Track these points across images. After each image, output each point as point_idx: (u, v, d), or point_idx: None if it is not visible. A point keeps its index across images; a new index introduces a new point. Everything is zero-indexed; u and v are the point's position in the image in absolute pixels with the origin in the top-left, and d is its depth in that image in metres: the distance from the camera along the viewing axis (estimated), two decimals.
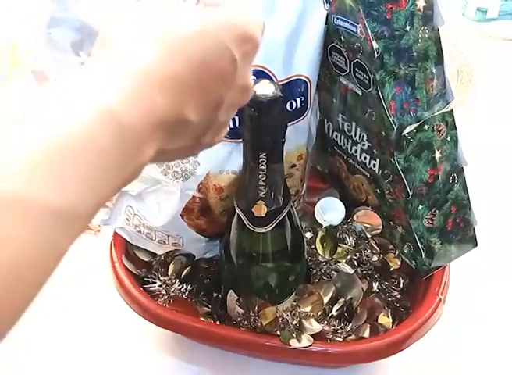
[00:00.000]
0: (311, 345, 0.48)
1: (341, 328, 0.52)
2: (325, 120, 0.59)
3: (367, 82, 0.48)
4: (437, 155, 0.49)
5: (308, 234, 0.59)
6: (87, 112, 0.23)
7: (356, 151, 0.56)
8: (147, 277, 0.55)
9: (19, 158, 0.21)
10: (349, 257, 0.56)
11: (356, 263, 0.56)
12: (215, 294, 0.57)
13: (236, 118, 0.48)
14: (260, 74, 0.47)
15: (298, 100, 0.51)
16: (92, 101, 0.23)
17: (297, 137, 0.54)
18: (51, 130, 0.22)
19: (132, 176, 0.26)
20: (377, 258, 0.56)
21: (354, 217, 0.58)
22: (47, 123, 0.22)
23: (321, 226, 0.58)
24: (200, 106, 0.28)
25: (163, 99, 0.25)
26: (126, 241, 0.57)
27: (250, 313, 0.51)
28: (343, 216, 0.59)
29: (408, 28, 0.45)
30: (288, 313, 0.51)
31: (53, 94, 0.24)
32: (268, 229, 0.48)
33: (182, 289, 0.55)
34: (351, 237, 0.57)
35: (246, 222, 0.48)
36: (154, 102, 0.25)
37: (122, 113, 0.23)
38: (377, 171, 0.54)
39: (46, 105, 0.23)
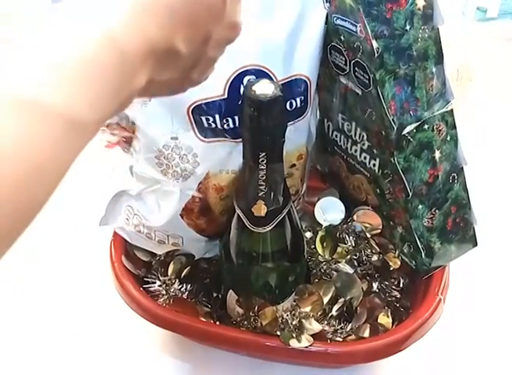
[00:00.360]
0: (310, 345, 0.48)
1: (341, 328, 0.52)
2: (325, 120, 0.59)
3: (367, 81, 0.48)
4: (437, 154, 0.49)
5: (308, 234, 0.59)
6: (93, 34, 0.25)
7: (356, 151, 0.56)
8: (147, 277, 0.55)
9: (41, 71, 0.24)
10: (349, 257, 0.56)
11: (356, 263, 0.56)
12: (214, 294, 0.57)
13: (236, 118, 0.48)
14: (260, 74, 0.47)
15: (298, 99, 0.51)
16: (97, 25, 0.26)
17: (297, 137, 0.54)
18: (66, 47, 0.25)
19: (127, 102, 0.28)
20: (377, 258, 0.56)
21: (354, 217, 0.58)
22: (61, 42, 0.25)
23: (321, 225, 0.58)
24: (190, 38, 0.29)
25: (155, 28, 0.27)
26: (126, 240, 0.57)
27: (250, 313, 0.51)
28: (342, 215, 0.59)
29: (408, 27, 0.44)
30: (288, 313, 0.51)
31: (64, 17, 0.26)
32: (268, 229, 0.47)
33: (182, 289, 0.55)
34: (351, 237, 0.57)
35: (246, 222, 0.48)
36: (147, 30, 0.27)
37: (121, 38, 0.26)
38: (377, 171, 0.54)
39: (58, 26, 0.26)
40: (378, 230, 0.58)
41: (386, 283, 0.56)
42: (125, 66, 0.26)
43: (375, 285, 0.56)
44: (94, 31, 0.25)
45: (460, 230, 0.54)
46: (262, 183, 0.45)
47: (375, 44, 0.44)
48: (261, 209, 0.46)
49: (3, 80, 0.23)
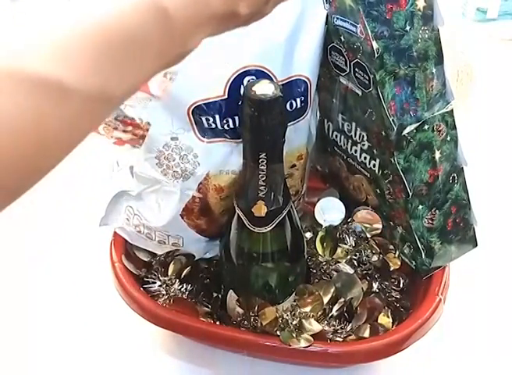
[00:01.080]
0: (310, 345, 0.48)
1: (341, 328, 0.52)
2: (325, 120, 0.59)
3: (367, 82, 0.48)
4: (437, 155, 0.49)
5: (308, 234, 0.59)
6: (135, 1, 0.24)
7: (356, 151, 0.56)
8: (147, 277, 0.55)
9: (59, 41, 0.23)
10: (349, 257, 0.56)
11: (356, 263, 0.56)
12: (214, 294, 0.57)
13: (236, 118, 0.48)
14: (260, 74, 0.47)
15: (298, 100, 0.51)
16: None
17: (297, 137, 0.54)
18: (93, 14, 0.24)
19: (174, 62, 0.28)
20: (377, 259, 0.56)
21: (354, 217, 0.58)
22: (90, 8, 0.24)
23: (321, 226, 0.58)
24: (253, 2, 0.30)
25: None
26: (126, 241, 0.57)
27: (250, 313, 0.51)
28: (342, 216, 0.59)
29: (408, 28, 0.44)
30: (288, 313, 0.51)
31: None
32: (268, 229, 0.48)
33: (182, 289, 0.55)
34: (351, 237, 0.57)
35: (246, 222, 0.48)
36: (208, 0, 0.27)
37: (170, 5, 0.25)
38: (377, 171, 0.54)
39: None
40: (378, 231, 0.58)
41: (386, 283, 0.56)
42: (173, 32, 0.26)
43: (375, 285, 0.56)
44: None
45: (460, 231, 0.54)
46: (262, 183, 0.45)
47: (375, 44, 0.44)
48: (261, 210, 0.46)
49: (19, 55, 0.22)
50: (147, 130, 0.49)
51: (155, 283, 0.55)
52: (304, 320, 0.50)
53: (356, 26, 0.46)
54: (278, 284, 0.52)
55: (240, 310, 0.52)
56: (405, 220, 0.53)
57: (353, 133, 0.55)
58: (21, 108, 0.22)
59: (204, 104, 0.47)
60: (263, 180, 0.45)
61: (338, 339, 0.51)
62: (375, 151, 0.53)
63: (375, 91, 0.47)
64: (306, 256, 0.55)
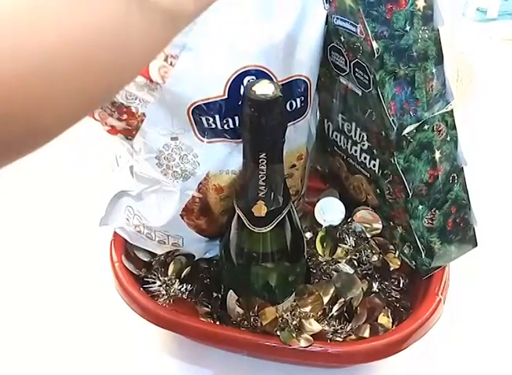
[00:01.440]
0: (310, 345, 0.48)
1: (341, 328, 0.52)
2: (325, 120, 0.59)
3: (367, 82, 0.48)
4: (437, 155, 0.49)
5: (308, 234, 0.59)
6: None
7: (356, 152, 0.56)
8: (147, 277, 0.55)
9: None
10: (349, 257, 0.56)
11: (356, 263, 0.56)
12: (214, 294, 0.57)
13: (236, 118, 0.48)
14: (260, 74, 0.47)
15: (298, 100, 0.51)
16: None
17: (297, 137, 0.54)
18: None
19: None
20: (377, 259, 0.56)
21: (354, 217, 0.58)
22: None
23: (321, 226, 0.58)
24: None
25: None
26: (126, 241, 0.57)
27: (250, 313, 0.51)
28: (342, 216, 0.59)
29: (408, 28, 0.44)
30: (288, 313, 0.51)
31: None
32: (268, 229, 0.48)
33: (182, 289, 0.55)
34: (351, 237, 0.57)
35: (246, 222, 0.48)
36: None
37: None
38: (377, 171, 0.54)
39: None
40: (378, 231, 0.58)
41: (386, 283, 0.56)
42: None
43: (375, 285, 0.56)
44: None
45: (460, 231, 0.54)
46: (262, 183, 0.45)
47: (375, 44, 0.44)
48: (261, 210, 0.46)
49: None
50: (142, 121, 0.49)
51: (155, 283, 0.55)
52: (304, 320, 0.50)
53: (356, 26, 0.46)
54: (278, 284, 0.52)
55: (240, 310, 0.52)
56: (405, 220, 0.53)
57: (353, 133, 0.55)
58: (102, 12, 0.23)
59: (204, 104, 0.47)
60: (263, 180, 0.45)
61: (338, 339, 0.51)
62: (375, 151, 0.53)
63: (375, 91, 0.47)
64: (306, 256, 0.55)
